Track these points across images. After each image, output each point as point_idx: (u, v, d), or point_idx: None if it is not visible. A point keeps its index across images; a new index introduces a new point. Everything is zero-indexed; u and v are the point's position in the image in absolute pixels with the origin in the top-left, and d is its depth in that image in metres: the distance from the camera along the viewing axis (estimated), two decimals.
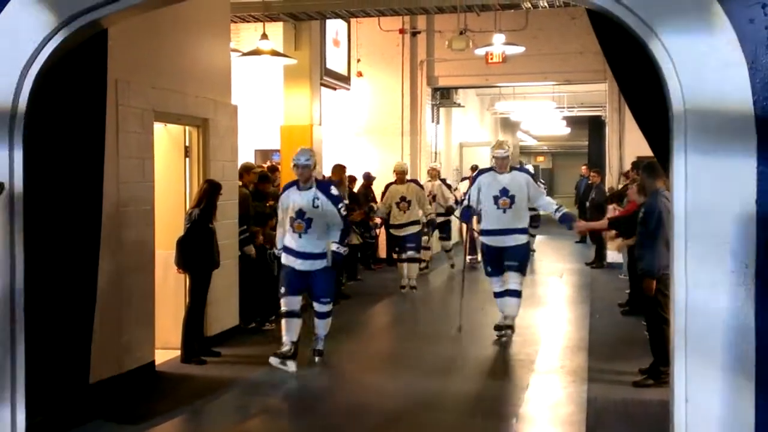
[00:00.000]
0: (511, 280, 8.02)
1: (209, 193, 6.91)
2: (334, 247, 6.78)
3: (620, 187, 12.19)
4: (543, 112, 21.87)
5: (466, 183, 12.45)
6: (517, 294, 8.09)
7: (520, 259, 8.04)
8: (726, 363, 3.62)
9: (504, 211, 7.83)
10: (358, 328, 8.85)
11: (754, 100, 3.56)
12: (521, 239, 8.01)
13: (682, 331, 3.71)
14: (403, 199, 11.10)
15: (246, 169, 8.81)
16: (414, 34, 14.51)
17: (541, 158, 41.81)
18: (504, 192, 7.83)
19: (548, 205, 8.15)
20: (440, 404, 5.94)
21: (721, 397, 3.63)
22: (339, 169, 10.69)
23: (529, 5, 10.54)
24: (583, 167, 18.83)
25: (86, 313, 4.94)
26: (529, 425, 5.52)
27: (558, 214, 7.88)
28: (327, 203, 6.69)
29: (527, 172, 8.09)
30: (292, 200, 6.72)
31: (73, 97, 4.68)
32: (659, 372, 6.10)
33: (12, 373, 4.14)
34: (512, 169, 8.07)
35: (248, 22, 10.85)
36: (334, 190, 6.85)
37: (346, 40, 12.98)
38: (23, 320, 4.17)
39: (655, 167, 6.96)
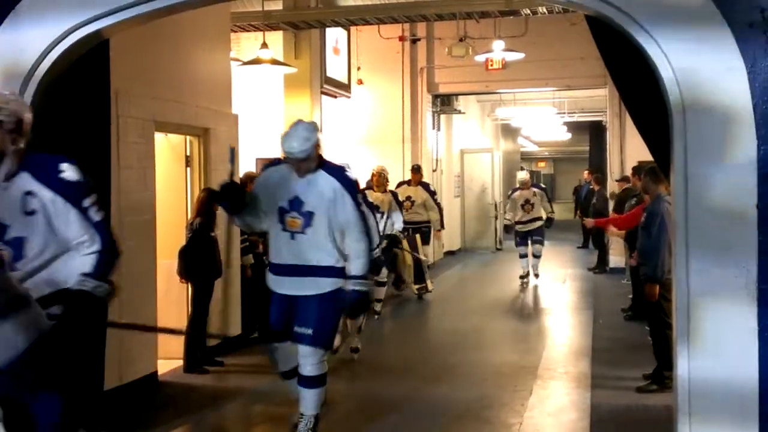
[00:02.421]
0: (302, 358, 4.78)
1: (208, 201, 6.92)
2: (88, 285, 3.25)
3: (618, 192, 12.17)
4: (544, 117, 21.87)
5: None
6: (313, 382, 4.84)
7: (319, 324, 4.71)
8: (729, 367, 3.61)
9: (292, 236, 4.69)
10: (361, 335, 8.82)
11: (754, 104, 3.57)
12: (325, 285, 4.72)
13: (685, 336, 3.70)
14: None
15: (249, 179, 8.80)
16: (414, 41, 14.53)
17: (542, 164, 41.84)
18: (295, 204, 4.70)
19: (356, 249, 4.74)
20: (443, 411, 5.93)
21: (725, 402, 3.62)
22: None
23: (528, 12, 10.57)
24: (585, 172, 18.82)
25: (98, 324, 4.91)
26: None
27: (350, 284, 4.74)
28: (53, 204, 3.23)
29: (341, 176, 4.77)
30: None
31: (76, 109, 4.69)
32: (663, 377, 6.09)
33: None
34: (323, 166, 4.78)
35: (248, 31, 10.88)
36: (68, 172, 3.29)
37: (346, 48, 13.00)
38: None
39: (658, 172, 6.96)
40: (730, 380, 3.61)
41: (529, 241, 12.50)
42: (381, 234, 8.67)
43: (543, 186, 13.69)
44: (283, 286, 4.82)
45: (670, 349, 6.17)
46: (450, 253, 16.94)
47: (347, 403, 6.32)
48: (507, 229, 13.13)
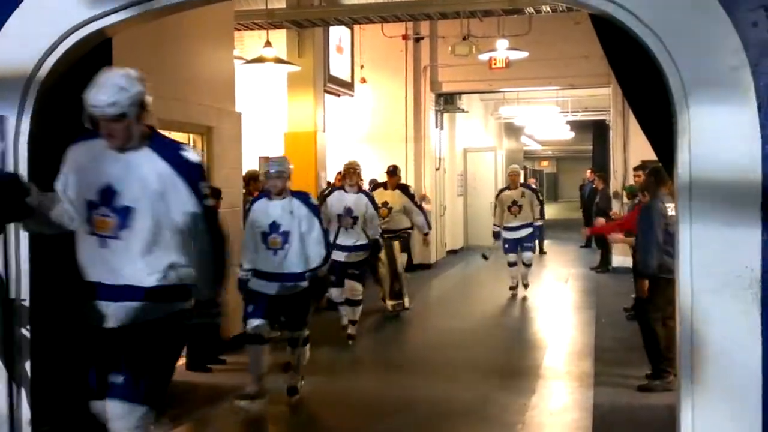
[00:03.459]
0: (112, 421, 3.34)
1: None
2: None
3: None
4: (547, 116, 21.88)
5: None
6: None
7: (135, 369, 3.30)
8: (732, 367, 3.61)
9: (103, 243, 3.32)
10: (361, 335, 8.83)
11: (759, 103, 3.56)
12: (147, 312, 3.32)
13: (688, 336, 3.70)
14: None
15: (252, 177, 8.80)
16: (417, 40, 14.53)
17: (545, 163, 41.85)
18: (107, 195, 3.33)
19: (200, 260, 3.43)
20: (445, 410, 5.93)
21: (728, 402, 3.62)
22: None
23: (532, 10, 10.55)
24: (588, 171, 18.80)
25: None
26: (535, 431, 5.50)
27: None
28: None
29: (174, 156, 3.39)
30: None
31: (78, 108, 4.69)
32: (660, 370, 6.13)
33: (16, 386, 4.16)
34: (152, 141, 3.40)
35: (252, 29, 10.89)
36: None
37: (349, 47, 13.00)
38: (28, 331, 4.18)
39: (661, 173, 6.99)
40: (734, 380, 3.61)
41: (519, 249, 11.08)
42: (331, 246, 6.90)
43: (534, 187, 11.98)
44: (97, 315, 3.34)
45: (659, 343, 6.24)
46: (452, 252, 16.94)
47: (349, 401, 6.33)
48: (495, 235, 11.35)
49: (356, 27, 12.77)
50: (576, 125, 24.47)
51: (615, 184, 14.37)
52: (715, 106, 3.62)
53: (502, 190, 11.55)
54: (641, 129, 4.51)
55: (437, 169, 15.66)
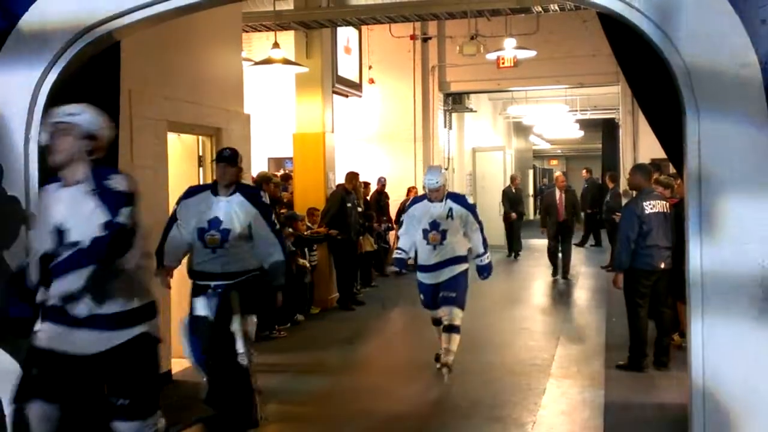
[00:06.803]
0: None
1: None
2: None
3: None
4: (556, 115, 21.83)
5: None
6: None
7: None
8: (744, 362, 3.60)
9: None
10: (372, 334, 8.84)
11: None
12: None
13: (699, 331, 3.69)
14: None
15: (265, 180, 8.80)
16: (425, 40, 14.54)
17: (554, 162, 41.74)
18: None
19: None
20: (455, 410, 5.93)
21: (741, 401, 3.61)
22: (351, 176, 10.71)
23: (540, 9, 10.54)
24: (584, 171, 18.72)
25: None
26: (546, 430, 5.49)
27: None
28: None
29: None
30: None
31: None
32: (637, 364, 6.62)
33: None
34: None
35: (260, 31, 10.93)
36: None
37: (357, 48, 13.01)
38: None
39: (645, 167, 7.09)
40: (746, 377, 3.60)
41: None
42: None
43: (471, 201, 7.18)
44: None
45: (644, 337, 6.66)
46: None
47: (359, 400, 6.33)
48: (397, 264, 6.80)
49: (364, 27, 12.79)
50: (585, 124, 24.41)
51: (624, 183, 14.31)
52: (723, 103, 3.62)
53: (414, 201, 7.10)
54: (650, 127, 4.50)
55: (446, 169, 15.65)
